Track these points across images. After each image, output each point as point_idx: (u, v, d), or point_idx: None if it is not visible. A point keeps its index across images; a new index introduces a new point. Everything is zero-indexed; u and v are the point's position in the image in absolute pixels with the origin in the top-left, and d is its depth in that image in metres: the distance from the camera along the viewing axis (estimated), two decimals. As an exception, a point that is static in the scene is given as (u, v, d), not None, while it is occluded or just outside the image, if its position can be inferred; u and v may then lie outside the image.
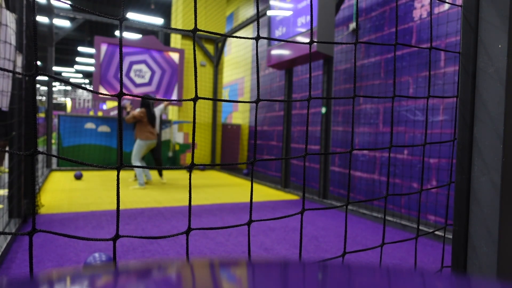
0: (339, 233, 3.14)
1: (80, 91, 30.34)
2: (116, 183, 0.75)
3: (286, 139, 5.34)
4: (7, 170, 4.64)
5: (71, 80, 27.09)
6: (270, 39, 0.97)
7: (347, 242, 2.89)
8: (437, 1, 1.14)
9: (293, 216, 3.71)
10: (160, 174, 5.78)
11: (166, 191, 4.94)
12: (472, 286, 0.35)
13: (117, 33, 15.50)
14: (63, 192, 4.58)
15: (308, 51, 4.34)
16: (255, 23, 7.17)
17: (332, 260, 0.90)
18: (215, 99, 0.92)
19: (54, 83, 14.53)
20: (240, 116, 8.46)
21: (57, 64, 22.32)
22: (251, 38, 0.96)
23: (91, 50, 16.39)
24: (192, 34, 0.89)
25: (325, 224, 3.41)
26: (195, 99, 0.91)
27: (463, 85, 1.18)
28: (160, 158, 5.66)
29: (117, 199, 0.83)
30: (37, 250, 2.42)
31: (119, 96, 0.83)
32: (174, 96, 7.53)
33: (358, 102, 4.64)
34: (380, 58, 4.30)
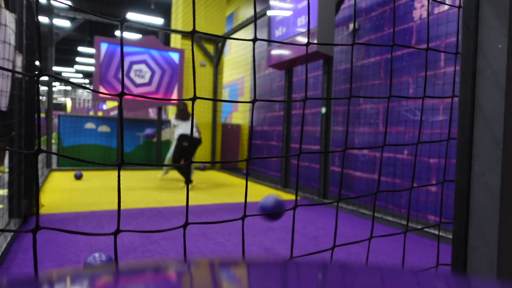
0: (339, 233, 3.14)
1: (80, 91, 30.33)
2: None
3: (286, 139, 5.34)
4: (7, 170, 4.64)
5: (71, 80, 27.06)
6: (267, 40, 0.97)
7: (348, 242, 2.89)
8: (437, 2, 1.14)
9: (293, 216, 3.70)
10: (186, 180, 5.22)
11: (166, 191, 4.94)
12: (472, 286, 0.35)
13: (117, 33, 15.51)
14: (63, 192, 4.58)
15: (309, 51, 4.34)
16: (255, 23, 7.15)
17: (332, 260, 0.90)
18: (213, 99, 0.92)
19: (54, 83, 14.53)
20: (240, 116, 8.46)
21: (57, 64, 22.32)
22: (248, 40, 0.96)
23: (91, 50, 16.38)
24: (191, 35, 0.89)
25: (325, 224, 3.41)
26: (194, 99, 0.91)
27: (463, 85, 1.18)
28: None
29: (118, 196, 0.83)
30: (37, 250, 2.42)
31: (120, 96, 0.83)
32: (174, 96, 7.53)
33: (358, 102, 4.64)
34: (380, 58, 4.30)
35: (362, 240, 1.12)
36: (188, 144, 5.48)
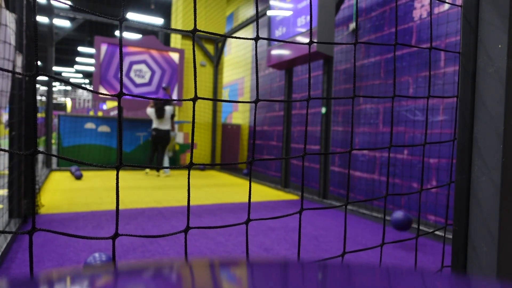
0: (339, 233, 3.14)
1: (80, 91, 30.33)
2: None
3: (286, 139, 5.34)
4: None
5: (71, 80, 27.07)
6: (269, 39, 0.97)
7: (347, 242, 2.89)
8: (437, 1, 1.14)
9: (293, 216, 3.70)
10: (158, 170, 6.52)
11: (166, 191, 4.94)
12: (472, 286, 0.35)
13: (117, 33, 15.50)
14: (63, 192, 4.58)
15: (308, 51, 4.34)
16: (255, 23, 7.16)
17: (332, 260, 0.89)
18: (214, 99, 0.92)
19: (54, 83, 14.53)
20: (240, 116, 8.46)
21: (57, 64, 22.31)
22: (250, 39, 0.96)
23: (91, 50, 16.38)
24: (191, 35, 0.89)
25: (325, 224, 3.41)
26: (195, 99, 0.91)
27: (463, 85, 1.18)
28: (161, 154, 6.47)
29: (116, 199, 0.83)
30: (37, 250, 2.42)
31: (119, 96, 0.83)
32: (174, 96, 7.53)
33: (358, 102, 4.64)
34: (380, 58, 4.30)
35: (374, 246, 1.12)
36: (156, 134, 6.00)
